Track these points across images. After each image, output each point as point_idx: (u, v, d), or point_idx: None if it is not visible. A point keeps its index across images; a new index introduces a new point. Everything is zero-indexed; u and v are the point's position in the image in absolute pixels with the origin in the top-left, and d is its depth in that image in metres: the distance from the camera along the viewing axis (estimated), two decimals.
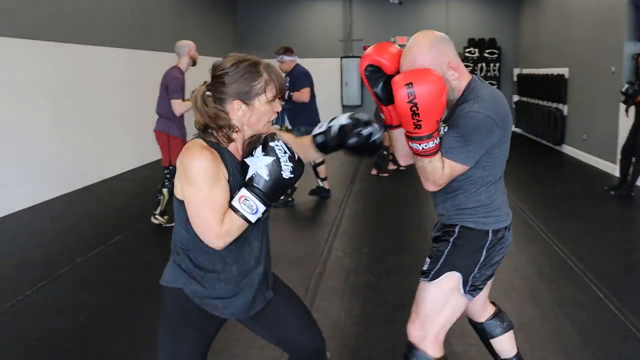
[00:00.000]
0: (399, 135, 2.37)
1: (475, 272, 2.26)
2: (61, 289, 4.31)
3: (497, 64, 15.06)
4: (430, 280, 2.29)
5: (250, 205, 1.86)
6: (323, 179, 7.33)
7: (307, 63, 14.12)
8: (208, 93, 1.96)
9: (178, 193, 1.93)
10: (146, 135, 6.74)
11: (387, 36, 15.36)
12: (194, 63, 5.73)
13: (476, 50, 15.03)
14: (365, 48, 15.42)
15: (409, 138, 2.11)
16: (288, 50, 6.96)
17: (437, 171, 2.13)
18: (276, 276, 2.26)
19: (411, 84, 2.00)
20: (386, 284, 4.34)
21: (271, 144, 1.89)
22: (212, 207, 1.85)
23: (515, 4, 14.88)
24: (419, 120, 2.04)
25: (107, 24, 8.81)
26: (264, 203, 1.88)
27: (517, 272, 4.53)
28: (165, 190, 5.73)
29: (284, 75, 7.12)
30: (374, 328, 3.58)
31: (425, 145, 2.08)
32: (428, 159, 2.11)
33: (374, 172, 8.84)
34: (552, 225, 5.82)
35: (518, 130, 14.09)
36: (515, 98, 14.24)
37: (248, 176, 1.89)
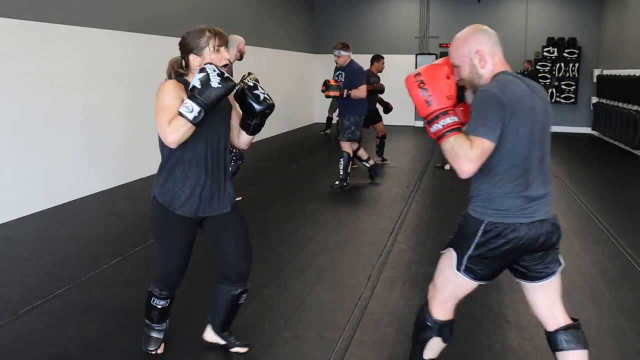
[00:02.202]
0: None
1: (469, 254, 2.41)
2: (135, 265, 4.61)
3: (577, 64, 14.70)
4: (441, 251, 2.59)
5: (187, 106, 2.59)
6: (367, 160, 7.92)
7: None
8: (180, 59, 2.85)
9: None
10: None
11: None
12: (240, 57, 6.07)
13: (555, 49, 14.73)
14: (441, 45, 15.42)
15: (428, 123, 2.35)
16: (345, 46, 7.26)
17: (465, 145, 2.24)
18: (237, 206, 2.99)
19: (418, 74, 2.38)
20: None
21: (206, 65, 2.64)
22: (166, 112, 2.64)
23: (599, 2, 14.47)
24: (429, 96, 2.32)
25: (187, 18, 9.20)
26: (198, 103, 2.58)
27: (580, 272, 4.52)
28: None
29: (337, 69, 7.32)
30: None
31: (443, 122, 2.29)
32: (453, 136, 2.28)
33: (448, 167, 8.91)
34: (622, 229, 5.73)
35: (595, 132, 13.75)
36: (594, 100, 13.88)
37: (190, 87, 2.64)
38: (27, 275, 4.40)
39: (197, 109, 2.58)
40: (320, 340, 3.37)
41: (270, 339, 3.39)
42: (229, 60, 2.86)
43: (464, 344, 3.35)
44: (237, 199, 7.81)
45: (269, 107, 2.89)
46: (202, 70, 2.62)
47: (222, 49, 2.79)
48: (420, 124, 15.59)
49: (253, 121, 2.91)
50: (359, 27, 15.72)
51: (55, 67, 6.39)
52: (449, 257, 2.49)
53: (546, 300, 2.53)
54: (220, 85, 2.59)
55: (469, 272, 2.44)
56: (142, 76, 7.64)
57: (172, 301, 3.15)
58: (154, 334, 3.18)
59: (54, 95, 6.38)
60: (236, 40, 5.98)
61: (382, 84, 9.12)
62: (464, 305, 3.85)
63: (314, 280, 4.34)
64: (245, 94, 2.86)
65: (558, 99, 14.77)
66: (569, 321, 2.53)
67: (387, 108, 9.68)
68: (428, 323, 2.58)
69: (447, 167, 8.99)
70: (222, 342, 3.22)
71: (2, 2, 5.71)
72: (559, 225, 2.45)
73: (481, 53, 2.39)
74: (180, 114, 2.60)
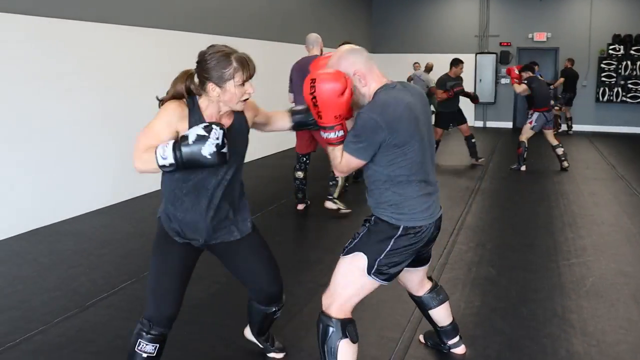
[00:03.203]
0: None
1: (381, 258, 2.50)
2: (198, 262, 4.66)
3: None
4: (344, 255, 2.60)
5: (164, 152, 2.25)
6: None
7: (440, 58, 14.13)
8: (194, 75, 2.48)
9: None
10: None
11: (524, 32, 14.96)
12: (320, 54, 6.07)
13: (621, 47, 14.22)
14: (501, 44, 15.14)
15: (317, 129, 2.54)
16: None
17: (337, 159, 2.49)
18: (254, 227, 2.79)
19: (314, 79, 2.39)
20: (508, 279, 4.34)
21: (214, 126, 2.25)
22: (148, 136, 2.34)
23: None
24: (319, 112, 2.42)
25: (245, 17, 9.33)
26: (174, 158, 2.24)
27: None
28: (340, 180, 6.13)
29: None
30: (492, 320, 3.62)
31: (327, 135, 2.46)
32: (331, 147, 2.49)
33: (523, 168, 8.84)
34: None
35: None
36: None
37: (183, 134, 2.29)
38: (93, 269, 4.53)
39: (170, 161, 2.24)
40: (380, 340, 3.35)
41: None
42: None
43: (527, 348, 3.27)
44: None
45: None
46: (208, 128, 2.24)
47: (247, 83, 2.44)
48: (479, 123, 15.37)
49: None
50: (417, 26, 15.58)
51: (115, 66, 6.56)
52: (357, 261, 2.53)
53: (421, 276, 2.95)
54: (209, 158, 2.23)
55: (380, 274, 2.53)
56: None
57: (160, 353, 2.64)
58: None
59: (118, 94, 6.55)
60: (318, 38, 6.21)
61: (461, 86, 9.06)
62: (527, 309, 3.80)
63: None
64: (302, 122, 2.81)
65: (624, 99, 14.28)
66: (430, 283, 3.03)
67: (474, 98, 9.72)
68: (330, 325, 2.53)
69: (522, 168, 8.83)
70: (259, 345, 3.17)
71: (51, 3, 5.91)
72: None
73: (360, 73, 2.47)
74: (155, 150, 2.27)
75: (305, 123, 2.81)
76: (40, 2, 5.60)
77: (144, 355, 2.57)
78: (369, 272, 2.51)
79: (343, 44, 6.80)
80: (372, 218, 2.59)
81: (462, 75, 9.25)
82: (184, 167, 2.28)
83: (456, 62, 9.16)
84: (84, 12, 6.09)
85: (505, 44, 15.22)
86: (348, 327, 2.55)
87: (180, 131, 2.37)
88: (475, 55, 15.24)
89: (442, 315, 3.05)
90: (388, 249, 2.50)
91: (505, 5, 15.21)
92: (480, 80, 15.17)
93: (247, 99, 2.48)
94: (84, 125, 6.10)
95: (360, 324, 3.58)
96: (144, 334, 2.58)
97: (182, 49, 7.46)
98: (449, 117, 9.17)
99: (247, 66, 2.41)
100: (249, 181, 7.79)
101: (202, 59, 2.41)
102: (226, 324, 3.57)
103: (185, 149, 2.23)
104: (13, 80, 5.30)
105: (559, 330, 3.49)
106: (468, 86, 14.96)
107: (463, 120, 9.25)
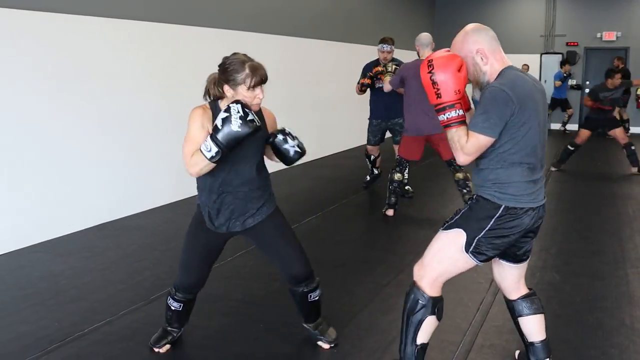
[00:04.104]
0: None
1: (480, 236, 2.52)
2: (255, 259, 4.72)
3: None
4: (444, 229, 2.64)
5: (206, 145, 2.64)
6: (373, 169, 7.44)
7: None
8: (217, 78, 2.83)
9: None
10: (355, 120, 7.05)
11: (593, 32, 14.52)
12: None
13: None
14: (568, 44, 14.74)
15: (436, 111, 2.49)
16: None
17: (462, 139, 2.44)
18: (277, 210, 3.07)
19: (430, 60, 2.48)
20: (573, 285, 4.22)
21: (231, 105, 2.63)
22: (189, 143, 2.73)
23: None
24: (438, 90, 2.44)
25: (308, 17, 9.38)
26: (216, 144, 2.62)
27: None
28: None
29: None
30: (556, 327, 3.51)
31: (449, 115, 2.45)
32: (454, 129, 2.46)
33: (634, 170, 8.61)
34: None
35: None
36: None
37: (213, 126, 2.67)
38: (157, 264, 4.65)
39: (214, 149, 2.64)
40: (440, 343, 3.31)
41: (389, 338, 3.37)
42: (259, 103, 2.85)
43: (594, 358, 3.18)
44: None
45: (297, 160, 3.03)
46: (227, 109, 2.63)
47: (258, 88, 2.77)
48: None
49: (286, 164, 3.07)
50: None
51: (179, 66, 6.70)
52: (456, 237, 2.56)
53: (517, 276, 2.83)
54: (239, 129, 2.60)
55: (477, 254, 2.54)
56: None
57: (188, 311, 3.26)
58: (161, 333, 3.29)
59: (181, 93, 6.68)
60: (430, 39, 5.94)
61: (611, 99, 8.64)
62: (593, 317, 3.69)
63: None
64: (277, 148, 2.97)
65: None
66: (527, 290, 2.89)
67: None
68: (421, 301, 2.61)
69: (634, 170, 8.59)
70: (310, 332, 3.32)
71: (123, 4, 6.07)
72: None
73: (482, 51, 2.53)
74: (200, 149, 2.68)
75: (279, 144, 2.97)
76: (99, 3, 5.78)
77: (172, 307, 3.21)
78: (466, 250, 2.55)
79: (381, 40, 6.60)
80: (475, 196, 2.62)
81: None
82: (227, 148, 2.65)
83: (611, 73, 8.61)
84: (148, 12, 6.25)
85: (572, 43, 14.81)
86: (438, 306, 2.64)
87: (210, 130, 2.74)
88: (541, 56, 14.90)
89: (532, 328, 2.88)
90: (487, 227, 2.51)
91: (573, 3, 14.80)
92: (545, 81, 14.78)
93: (259, 102, 2.81)
94: (149, 123, 6.26)
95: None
96: (172, 294, 3.19)
97: (244, 49, 7.57)
98: (605, 122, 8.78)
99: (257, 73, 2.74)
100: (308, 182, 7.94)
101: (223, 63, 2.79)
102: (287, 322, 3.59)
103: (219, 134, 2.61)
104: (85, 79, 5.49)
105: (627, 340, 3.38)
106: None
107: (616, 124, 8.79)
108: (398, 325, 3.51)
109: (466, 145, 2.44)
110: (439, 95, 2.46)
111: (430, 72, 2.46)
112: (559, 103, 13.80)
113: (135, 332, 3.48)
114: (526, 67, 13.51)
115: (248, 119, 2.62)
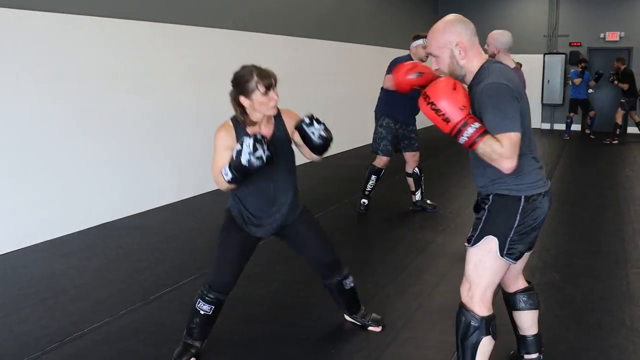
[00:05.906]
0: None
1: (512, 235, 2.44)
2: (259, 260, 4.71)
3: None
4: (472, 245, 2.52)
5: (225, 170, 2.77)
6: (412, 192, 6.43)
7: None
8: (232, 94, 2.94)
9: None
10: (358, 121, 6.98)
11: (596, 32, 14.50)
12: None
13: None
14: (571, 44, 14.71)
15: (454, 137, 2.35)
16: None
17: (495, 146, 2.27)
18: (305, 209, 3.23)
19: (424, 94, 2.38)
20: (573, 286, 4.21)
21: (245, 138, 2.70)
22: (215, 166, 2.86)
23: None
24: (444, 116, 2.32)
25: (313, 18, 9.39)
26: (231, 172, 2.74)
27: None
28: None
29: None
30: (555, 328, 3.50)
31: (467, 133, 2.29)
32: (481, 143, 2.29)
33: None
34: None
35: None
36: None
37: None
38: (157, 264, 4.65)
39: (229, 175, 2.77)
40: (439, 344, 3.31)
41: (388, 339, 3.37)
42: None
43: (593, 358, 3.17)
44: None
45: (324, 146, 3.06)
46: (241, 142, 2.71)
47: (271, 91, 2.85)
48: (546, 125, 14.97)
49: (315, 153, 3.10)
50: (484, 25, 15.13)
51: (185, 65, 6.71)
52: (488, 244, 2.47)
53: (518, 269, 2.81)
54: (247, 165, 2.70)
55: (511, 254, 2.47)
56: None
57: (214, 319, 3.14)
58: (182, 347, 3.13)
59: (186, 92, 6.70)
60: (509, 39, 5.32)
61: None
62: (592, 317, 3.67)
63: (434, 282, 4.27)
64: (303, 132, 3.00)
65: None
66: (525, 284, 2.88)
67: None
68: (473, 323, 2.50)
69: None
70: (358, 323, 3.47)
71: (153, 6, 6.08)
72: None
73: (462, 45, 2.45)
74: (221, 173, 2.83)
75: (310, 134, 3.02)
76: (99, 3, 5.79)
77: (202, 312, 3.08)
78: (501, 254, 2.46)
79: (415, 37, 6.34)
80: (489, 198, 2.51)
81: (529, 76, 8.90)
82: (241, 177, 2.78)
83: None
84: (148, 12, 6.26)
85: (575, 44, 14.78)
86: (492, 324, 2.53)
87: (232, 146, 2.84)
88: (544, 56, 14.86)
89: (526, 322, 2.88)
90: (515, 224, 2.45)
91: (576, 4, 14.76)
92: (549, 81, 14.78)
93: (275, 104, 2.89)
94: (149, 123, 6.27)
95: (420, 327, 3.57)
96: (203, 295, 3.09)
97: (249, 49, 7.58)
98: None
99: (266, 77, 2.84)
100: (310, 181, 7.89)
101: (234, 77, 2.90)
102: (287, 322, 3.60)
103: (233, 164, 2.74)
104: (86, 79, 5.50)
105: (627, 341, 3.37)
106: (535, 88, 14.64)
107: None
108: (398, 325, 3.53)
109: (503, 150, 2.27)
110: (447, 120, 2.33)
111: (429, 104, 2.36)
112: (578, 104, 12.99)
113: (134, 332, 3.48)
114: (519, 65, 13.30)
115: (256, 155, 2.69)
